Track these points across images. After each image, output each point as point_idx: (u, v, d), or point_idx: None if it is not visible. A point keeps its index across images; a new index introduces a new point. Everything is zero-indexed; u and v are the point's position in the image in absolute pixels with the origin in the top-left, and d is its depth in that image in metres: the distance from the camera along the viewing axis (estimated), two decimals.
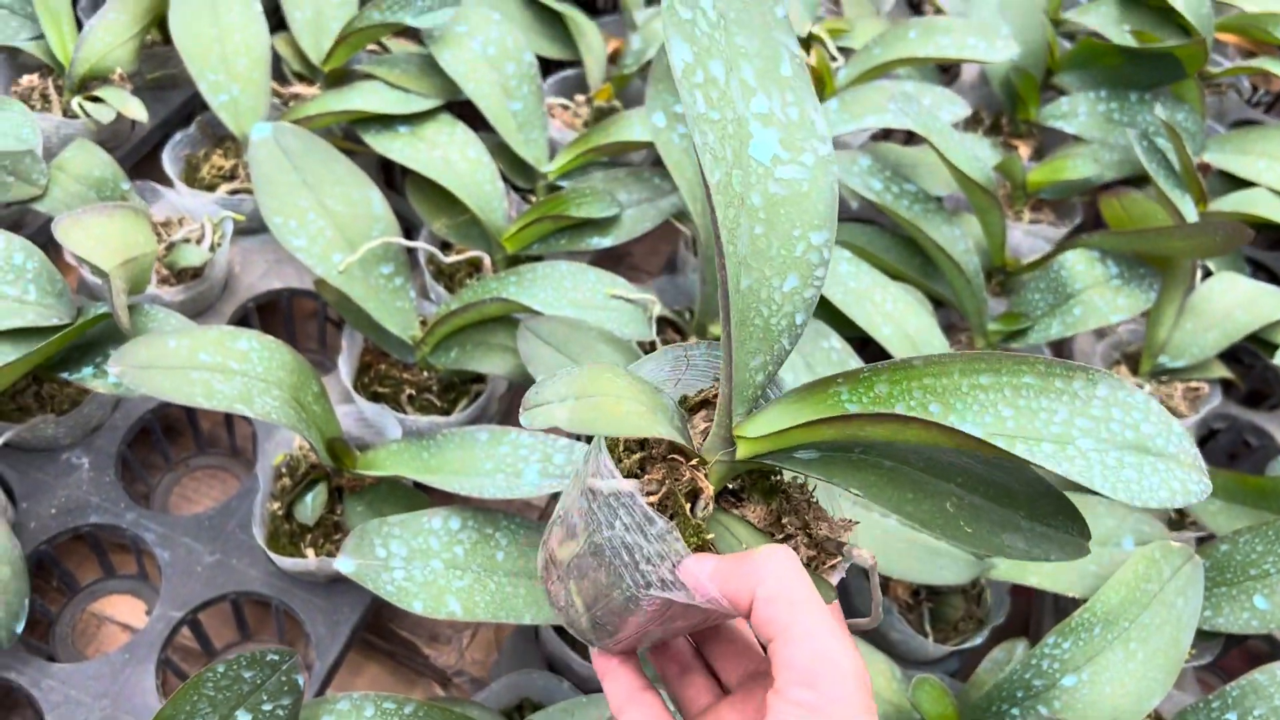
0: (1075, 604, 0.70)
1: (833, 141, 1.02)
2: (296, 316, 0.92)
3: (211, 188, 0.88)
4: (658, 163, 0.92)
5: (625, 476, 0.38)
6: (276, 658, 0.57)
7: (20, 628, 0.64)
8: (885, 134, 1.18)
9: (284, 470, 0.73)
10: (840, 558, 0.38)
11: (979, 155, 1.02)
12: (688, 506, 0.37)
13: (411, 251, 0.89)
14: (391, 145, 0.86)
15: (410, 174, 0.89)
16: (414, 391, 0.80)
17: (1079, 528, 0.38)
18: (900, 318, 0.82)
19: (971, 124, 1.15)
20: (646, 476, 0.38)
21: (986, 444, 0.34)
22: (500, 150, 0.91)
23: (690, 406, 0.42)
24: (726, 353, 0.37)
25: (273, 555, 0.68)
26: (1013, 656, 0.72)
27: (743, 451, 0.38)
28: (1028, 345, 0.88)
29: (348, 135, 0.90)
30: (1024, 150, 1.12)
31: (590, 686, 0.74)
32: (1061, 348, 1.00)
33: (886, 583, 0.77)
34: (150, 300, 0.76)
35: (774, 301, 0.38)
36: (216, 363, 0.64)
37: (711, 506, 0.38)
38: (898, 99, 0.88)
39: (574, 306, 0.78)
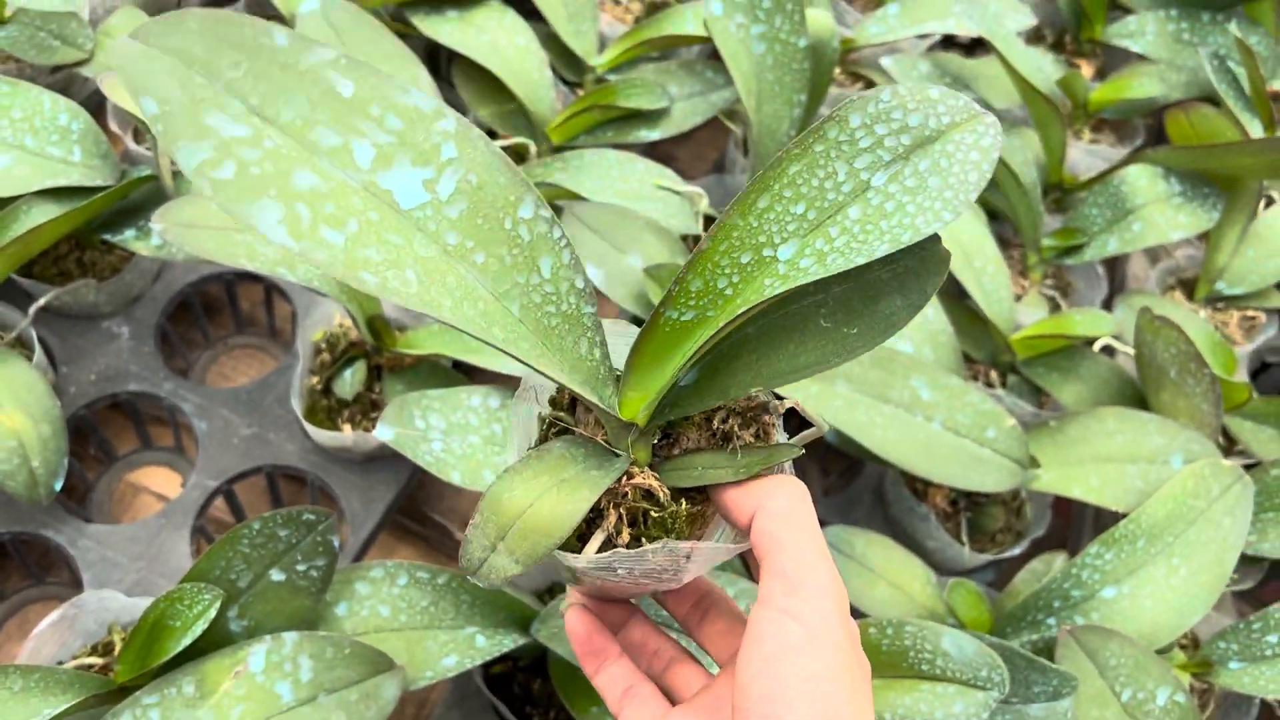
0: (1114, 523, 0.69)
1: (890, 47, 1.00)
2: None
3: None
4: (711, 57, 0.90)
5: (583, 534, 0.38)
6: (313, 517, 0.56)
7: (59, 485, 0.64)
8: (944, 48, 1.14)
9: (324, 346, 0.72)
10: (770, 415, 0.39)
11: (1043, 67, 0.98)
12: (650, 502, 0.38)
13: None
14: (441, 29, 0.85)
15: (457, 61, 0.87)
16: None
17: (929, 239, 0.35)
18: (954, 226, 0.80)
19: (1033, 41, 1.11)
20: (605, 523, 0.38)
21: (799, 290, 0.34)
22: (549, 40, 0.88)
23: (565, 405, 0.41)
24: (555, 370, 0.36)
25: (310, 429, 0.68)
26: (1051, 568, 0.71)
27: (643, 422, 0.37)
28: (1083, 261, 0.86)
29: (396, 18, 0.88)
30: (1087, 70, 1.08)
31: None
32: (1115, 266, 0.98)
33: (926, 488, 0.76)
34: None
35: (550, 294, 0.36)
36: None
37: (666, 493, 0.38)
38: (963, 2, 0.85)
39: (620, 196, 0.76)
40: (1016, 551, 0.75)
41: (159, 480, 0.77)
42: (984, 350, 0.81)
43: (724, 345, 0.37)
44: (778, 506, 0.36)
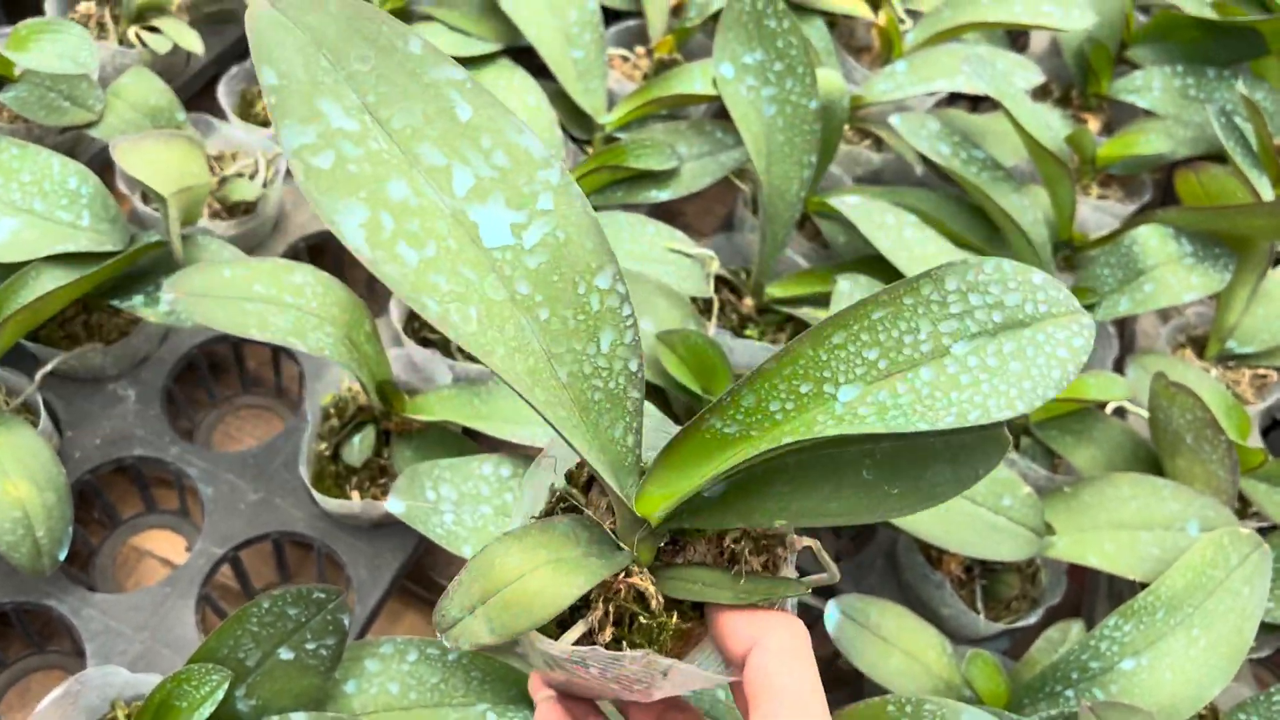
0: (1130, 588, 0.68)
1: (898, 104, 1.00)
2: (345, 260, 0.91)
3: (266, 123, 0.87)
4: (719, 115, 0.90)
5: (565, 620, 0.36)
6: (323, 595, 0.56)
7: (63, 554, 0.63)
8: (948, 104, 1.15)
9: (332, 411, 0.71)
10: (785, 549, 0.38)
11: (1051, 124, 0.99)
12: (641, 606, 0.36)
13: None
14: None
15: None
16: None
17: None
18: None
19: (1040, 96, 1.12)
20: (591, 615, 0.36)
21: (863, 436, 0.34)
22: (558, 99, 0.88)
23: (581, 484, 0.40)
24: (585, 446, 0.35)
25: (317, 496, 0.67)
26: (1068, 637, 0.70)
27: (656, 522, 0.36)
28: (1094, 321, 0.85)
29: None
30: (1093, 124, 1.08)
31: None
32: (1125, 323, 0.98)
33: (940, 555, 0.75)
34: (203, 233, 0.75)
35: (602, 369, 0.35)
36: (271, 295, 0.62)
37: (660, 601, 0.36)
38: (971, 61, 0.85)
39: (631, 259, 0.76)
40: (1031, 620, 0.74)
41: (163, 544, 0.76)
42: None
43: (758, 468, 0.36)
44: (778, 644, 0.34)
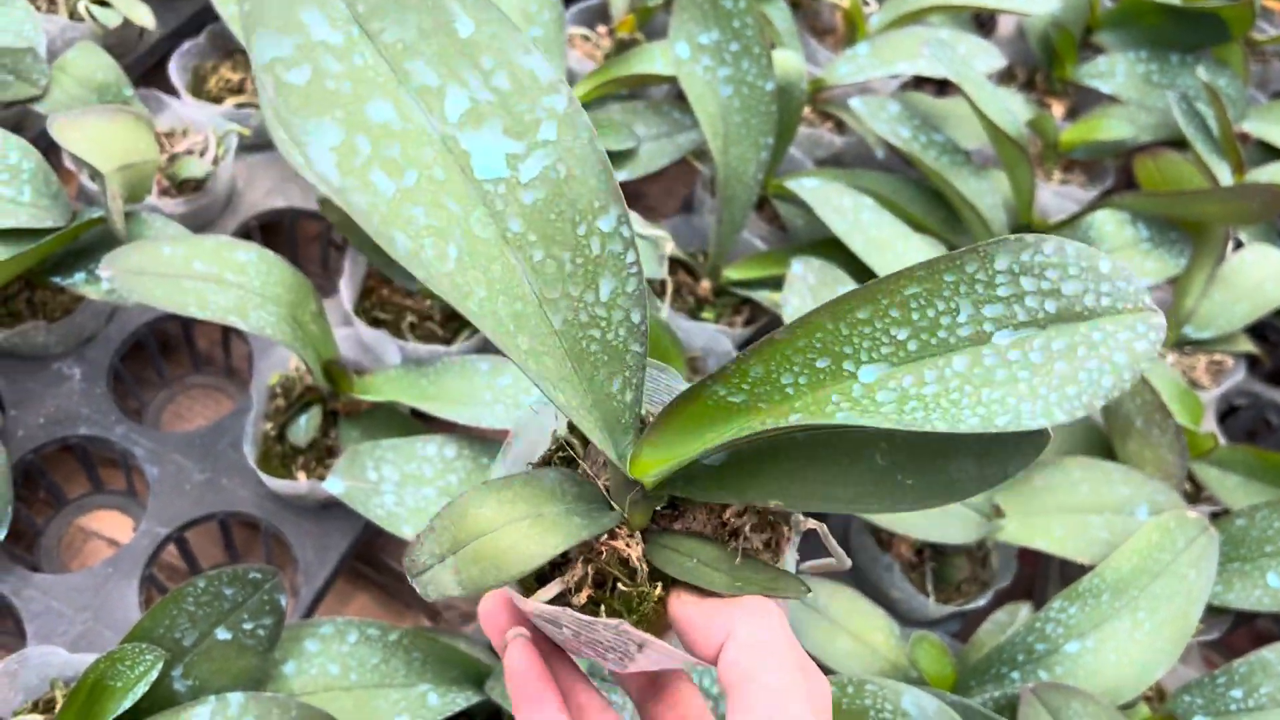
0: (1081, 571, 0.68)
1: (861, 87, 1.00)
2: (300, 238, 0.90)
3: (218, 100, 0.86)
4: (679, 97, 0.90)
5: (544, 575, 0.35)
6: (259, 576, 0.55)
7: (2, 534, 0.62)
8: (916, 87, 1.14)
9: (279, 390, 0.71)
10: (789, 527, 0.35)
11: (1011, 109, 0.98)
12: (623, 571, 0.34)
13: None
14: None
15: None
16: (416, 319, 0.78)
17: None
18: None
19: (1005, 80, 1.11)
20: (569, 574, 0.34)
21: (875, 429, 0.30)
22: None
23: (582, 434, 0.38)
24: (575, 401, 0.32)
25: (263, 476, 0.67)
26: (1015, 619, 0.70)
27: (651, 486, 0.34)
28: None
29: None
30: (1058, 109, 1.08)
31: None
32: None
33: (890, 539, 0.75)
34: (150, 210, 0.74)
35: (600, 318, 0.33)
36: (212, 273, 0.61)
37: (644, 568, 0.34)
38: (932, 44, 0.84)
39: None
40: (981, 603, 0.74)
41: (110, 525, 0.75)
42: None
43: (764, 441, 0.33)
44: (749, 635, 0.31)
